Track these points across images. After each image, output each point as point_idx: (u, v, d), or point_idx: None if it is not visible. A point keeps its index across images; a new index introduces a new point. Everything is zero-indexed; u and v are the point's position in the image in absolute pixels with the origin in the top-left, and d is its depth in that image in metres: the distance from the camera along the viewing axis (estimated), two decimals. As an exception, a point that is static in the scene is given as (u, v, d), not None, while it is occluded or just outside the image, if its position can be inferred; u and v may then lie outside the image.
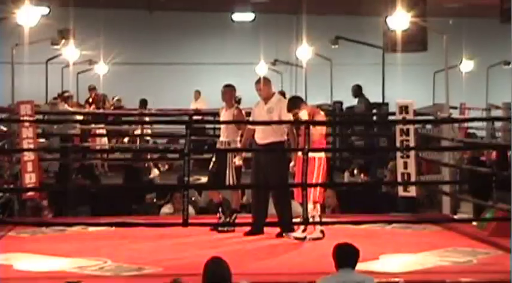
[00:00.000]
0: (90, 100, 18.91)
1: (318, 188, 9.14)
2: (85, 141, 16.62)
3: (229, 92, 10.15)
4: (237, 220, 9.85)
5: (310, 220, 8.93)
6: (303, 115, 9.14)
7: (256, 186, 9.90)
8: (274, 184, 9.59)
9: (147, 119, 16.96)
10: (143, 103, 18.67)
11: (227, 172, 9.78)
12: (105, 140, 17.01)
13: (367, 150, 15.61)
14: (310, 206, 8.86)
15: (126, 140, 17.64)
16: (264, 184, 9.63)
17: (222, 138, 10.01)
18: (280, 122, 9.46)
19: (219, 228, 9.65)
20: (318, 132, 9.14)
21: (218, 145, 10.17)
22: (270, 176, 9.50)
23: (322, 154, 9.21)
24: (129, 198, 12.60)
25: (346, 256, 6.03)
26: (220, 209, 10.06)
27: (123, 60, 25.48)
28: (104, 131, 16.69)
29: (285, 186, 9.68)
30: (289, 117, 9.22)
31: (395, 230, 9.98)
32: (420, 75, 26.12)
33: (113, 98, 19.36)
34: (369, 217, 10.48)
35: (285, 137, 9.59)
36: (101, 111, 18.02)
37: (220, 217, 9.97)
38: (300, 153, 9.06)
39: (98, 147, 16.84)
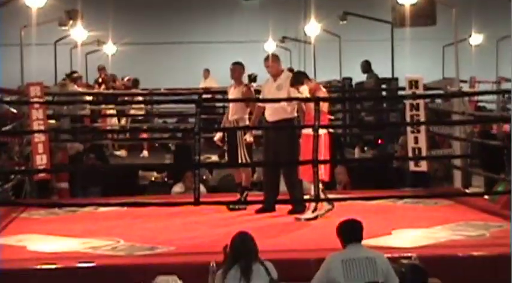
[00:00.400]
0: (100, 80, 18.87)
1: (323, 166, 9.05)
2: (95, 122, 16.63)
3: (238, 69, 10.10)
4: (248, 198, 9.86)
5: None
6: (304, 91, 9.09)
7: (266, 164, 9.89)
8: (284, 162, 9.58)
9: (140, 98, 16.76)
10: (135, 83, 18.30)
11: (239, 150, 9.77)
12: (115, 120, 16.99)
13: (377, 126, 15.57)
14: (310, 185, 8.83)
15: (123, 121, 17.43)
16: (274, 161, 9.62)
17: (230, 117, 9.96)
18: (288, 99, 9.41)
19: (231, 206, 9.65)
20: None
21: (227, 125, 10.11)
22: (280, 153, 9.49)
23: (323, 131, 9.09)
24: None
25: (351, 231, 6.03)
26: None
27: (132, 40, 25.46)
28: (113, 111, 16.67)
29: (295, 163, 9.64)
30: (299, 94, 9.16)
31: (407, 205, 9.97)
32: (429, 50, 26.01)
33: (122, 78, 19.31)
34: (380, 193, 10.46)
35: (295, 114, 9.55)
36: (111, 91, 17.98)
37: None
38: (304, 130, 9.03)
39: (108, 128, 16.84)
